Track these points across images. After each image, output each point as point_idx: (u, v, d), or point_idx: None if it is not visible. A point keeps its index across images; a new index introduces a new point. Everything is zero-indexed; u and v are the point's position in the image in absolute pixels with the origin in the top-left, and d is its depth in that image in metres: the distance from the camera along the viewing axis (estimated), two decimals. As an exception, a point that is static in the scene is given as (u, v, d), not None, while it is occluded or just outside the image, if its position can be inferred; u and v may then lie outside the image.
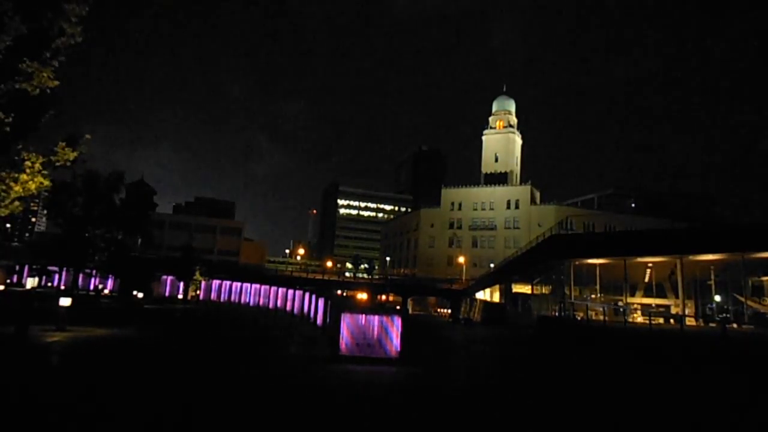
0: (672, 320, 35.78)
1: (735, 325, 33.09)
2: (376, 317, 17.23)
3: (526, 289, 57.60)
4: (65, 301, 21.67)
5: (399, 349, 16.98)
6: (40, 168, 12.54)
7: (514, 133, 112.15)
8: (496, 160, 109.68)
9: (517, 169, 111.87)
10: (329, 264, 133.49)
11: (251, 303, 71.31)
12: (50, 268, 69.05)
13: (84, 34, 12.54)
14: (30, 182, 12.41)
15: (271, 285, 68.10)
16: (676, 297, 40.10)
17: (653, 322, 28.24)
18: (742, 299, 36.33)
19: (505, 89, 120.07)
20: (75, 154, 13.30)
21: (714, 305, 40.38)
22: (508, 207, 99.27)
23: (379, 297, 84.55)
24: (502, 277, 61.85)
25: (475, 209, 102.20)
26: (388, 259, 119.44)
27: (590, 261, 42.45)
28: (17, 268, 74.69)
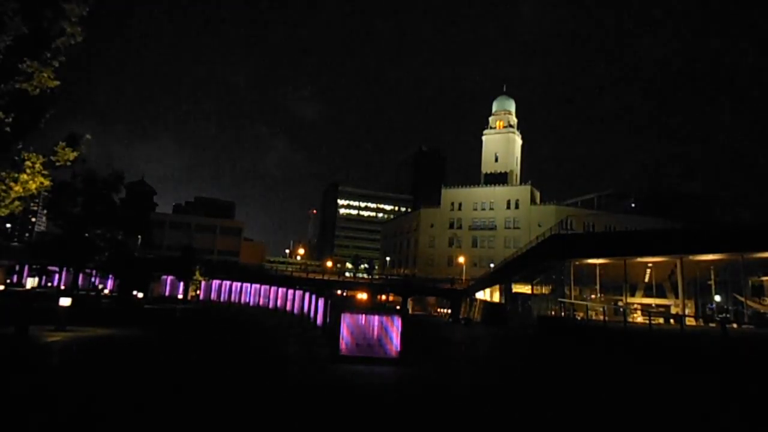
0: (672, 320, 35.74)
1: (735, 325, 33.06)
2: (376, 317, 17.22)
3: (526, 289, 57.56)
4: (65, 301, 21.69)
5: (399, 349, 16.97)
6: (41, 168, 12.54)
7: (514, 133, 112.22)
8: (496, 160, 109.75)
9: (517, 169, 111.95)
10: (329, 264, 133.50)
11: (251, 303, 71.40)
12: (50, 268, 69.17)
13: (84, 33, 12.55)
14: (30, 182, 12.42)
15: (271, 285, 68.20)
16: (676, 297, 40.06)
17: (653, 322, 28.17)
18: (742, 299, 36.30)
19: (505, 89, 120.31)
20: (75, 154, 13.32)
21: (714, 305, 40.35)
22: (508, 207, 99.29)
23: (379, 297, 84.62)
24: (502, 277, 61.83)
25: (475, 209, 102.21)
26: (388, 259, 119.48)
27: (590, 261, 42.42)
28: (17, 268, 74.72)
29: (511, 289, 60.24)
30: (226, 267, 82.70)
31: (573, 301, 41.70)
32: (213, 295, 76.67)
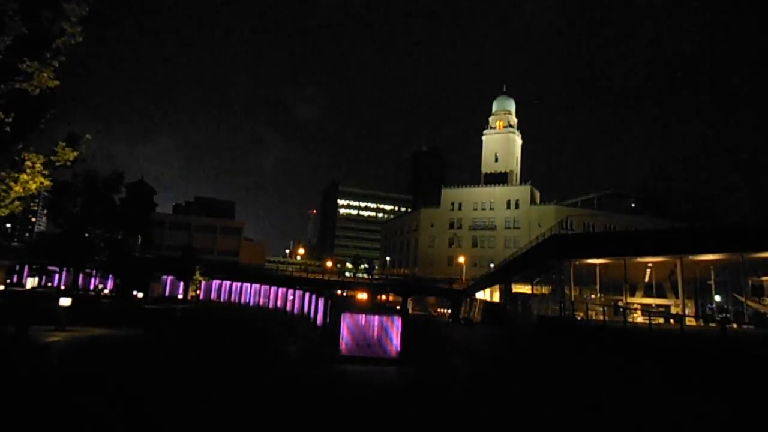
0: (672, 320, 35.75)
1: (735, 325, 33.07)
2: (376, 317, 17.24)
3: (526, 289, 57.56)
4: (65, 301, 21.69)
5: (399, 349, 16.98)
6: (41, 168, 12.54)
7: (514, 133, 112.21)
8: (496, 160, 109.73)
9: (517, 169, 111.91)
10: (329, 264, 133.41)
11: (251, 303, 71.42)
12: (50, 268, 69.11)
13: (84, 33, 12.55)
14: (30, 182, 12.43)
15: (271, 285, 68.22)
16: (676, 297, 40.08)
17: (653, 322, 28.20)
18: (742, 299, 36.31)
19: (505, 89, 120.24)
20: (75, 154, 13.32)
21: (714, 305, 40.35)
22: (508, 207, 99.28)
23: (379, 297, 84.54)
24: (502, 277, 61.83)
25: (475, 209, 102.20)
26: (388, 259, 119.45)
27: (590, 261, 42.44)
28: (17, 268, 74.63)
29: (511, 289, 60.23)
30: (226, 267, 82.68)
31: (573, 301, 41.71)
32: (213, 295, 76.65)
